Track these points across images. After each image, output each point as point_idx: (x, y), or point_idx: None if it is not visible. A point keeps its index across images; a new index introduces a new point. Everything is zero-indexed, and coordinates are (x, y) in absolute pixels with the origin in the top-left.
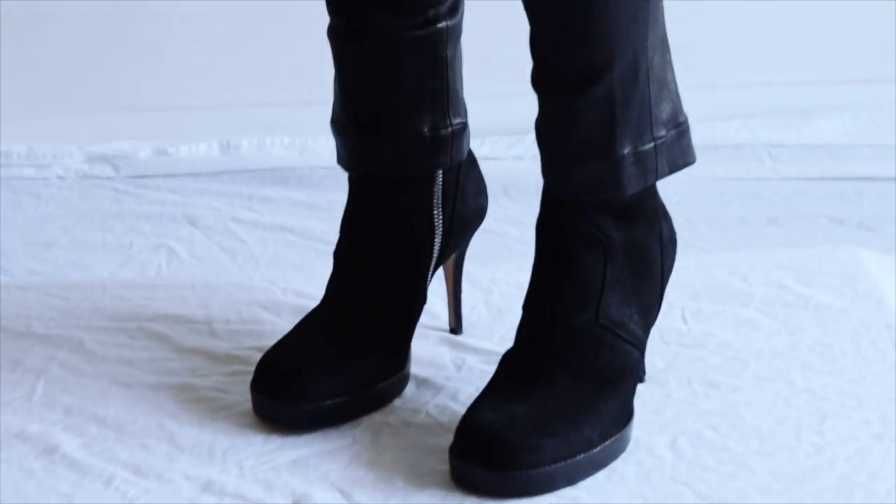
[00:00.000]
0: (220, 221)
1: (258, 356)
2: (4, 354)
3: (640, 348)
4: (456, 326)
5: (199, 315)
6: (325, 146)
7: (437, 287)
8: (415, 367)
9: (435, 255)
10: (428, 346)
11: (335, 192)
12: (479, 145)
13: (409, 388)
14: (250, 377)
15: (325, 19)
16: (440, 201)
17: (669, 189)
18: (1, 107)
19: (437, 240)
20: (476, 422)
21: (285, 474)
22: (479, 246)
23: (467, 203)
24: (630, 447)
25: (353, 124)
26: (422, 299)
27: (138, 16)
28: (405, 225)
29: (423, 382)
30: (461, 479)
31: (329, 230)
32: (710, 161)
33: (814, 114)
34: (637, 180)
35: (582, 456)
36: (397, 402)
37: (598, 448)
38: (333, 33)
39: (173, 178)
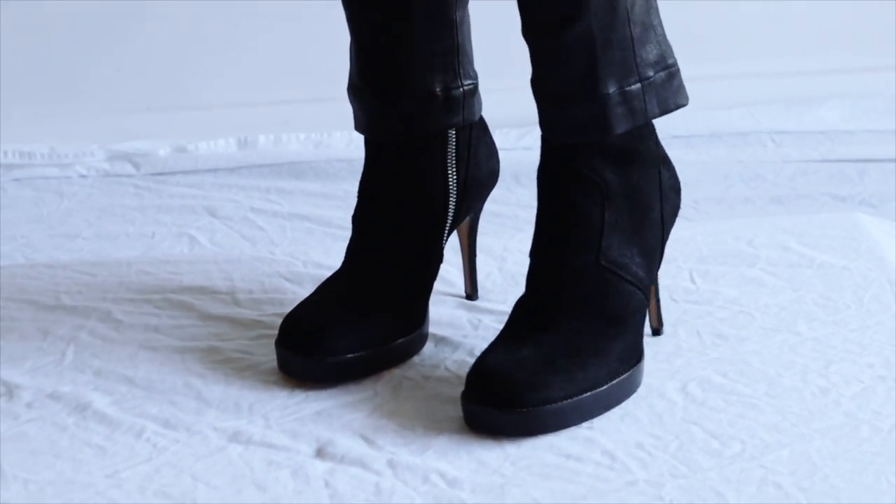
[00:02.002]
0: (239, 212)
1: (280, 321)
2: (35, 325)
3: (645, 290)
4: (472, 292)
5: (222, 286)
6: (340, 140)
7: (451, 257)
8: (432, 328)
9: (450, 215)
10: (445, 309)
11: (350, 182)
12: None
13: (428, 346)
14: (273, 340)
15: (337, 18)
16: (454, 162)
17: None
18: (23, 109)
19: (452, 200)
20: (485, 365)
21: (310, 424)
22: (491, 227)
23: (480, 165)
24: (642, 392)
25: (369, 87)
26: (438, 258)
27: (156, 18)
28: (420, 186)
29: (441, 341)
30: (474, 422)
31: (345, 218)
32: (715, 147)
33: (814, 102)
34: (625, 120)
35: (589, 394)
36: (416, 358)
37: (606, 386)
38: None
39: (192, 174)
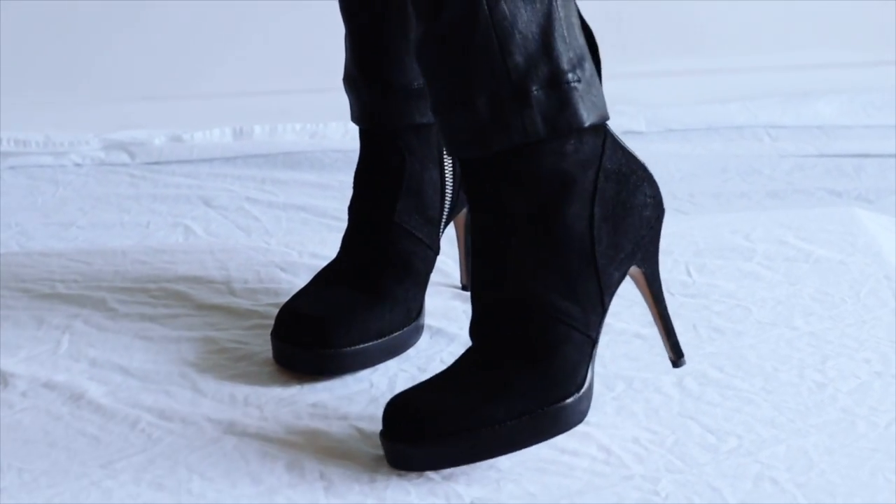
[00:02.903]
0: (234, 202)
1: (276, 312)
2: (29, 313)
3: (571, 321)
4: (468, 283)
5: (217, 276)
6: (336, 131)
7: (448, 248)
8: (428, 320)
9: (447, 206)
10: (441, 300)
11: (346, 173)
12: None
13: (424, 338)
14: (269, 331)
15: (334, 8)
16: None
17: (672, 166)
18: (18, 97)
19: (449, 191)
20: (396, 400)
21: (305, 416)
22: None
23: None
24: (637, 386)
25: (363, 77)
26: (435, 249)
27: (152, 5)
28: (416, 176)
29: (437, 332)
30: (390, 458)
31: (341, 208)
32: (712, 140)
33: (811, 96)
34: (500, 136)
35: (485, 430)
36: (412, 350)
37: (508, 423)
38: None
39: (188, 163)
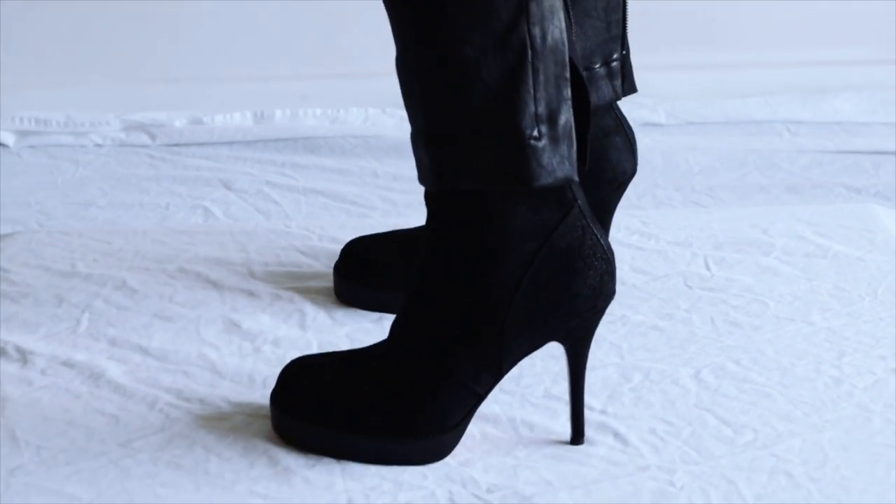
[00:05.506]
0: (254, 185)
1: (297, 296)
2: (50, 291)
3: (458, 370)
4: None
5: (237, 258)
6: (356, 116)
7: None
8: None
9: None
10: None
11: (366, 159)
12: None
13: None
14: (289, 314)
15: None
16: None
17: (691, 159)
18: (39, 75)
19: None
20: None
21: None
22: None
23: None
24: (654, 377)
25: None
26: None
27: None
28: None
29: None
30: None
31: (360, 194)
32: (731, 134)
33: (831, 92)
34: (446, 178)
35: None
36: None
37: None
38: None
39: (208, 146)
